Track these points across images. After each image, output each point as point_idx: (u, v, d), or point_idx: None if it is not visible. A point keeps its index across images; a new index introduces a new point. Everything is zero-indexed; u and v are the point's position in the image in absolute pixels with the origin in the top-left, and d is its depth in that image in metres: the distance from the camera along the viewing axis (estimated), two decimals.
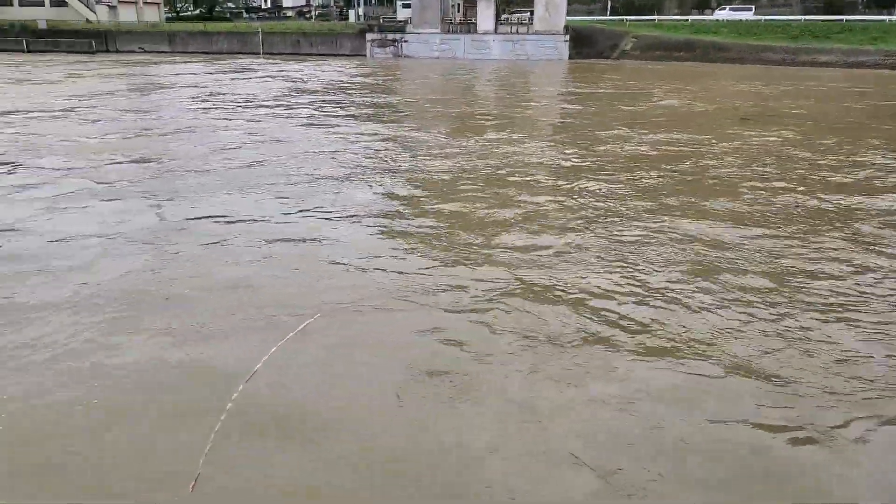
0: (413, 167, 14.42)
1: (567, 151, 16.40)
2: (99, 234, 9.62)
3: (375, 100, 27.89)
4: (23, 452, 4.80)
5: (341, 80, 35.91)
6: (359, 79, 37.68)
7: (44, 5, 70.56)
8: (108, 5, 70.11)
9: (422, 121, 21.87)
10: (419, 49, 57.59)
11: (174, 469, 4.56)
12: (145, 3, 75.12)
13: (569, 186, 12.77)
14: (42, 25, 65.53)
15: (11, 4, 70.38)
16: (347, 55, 58.61)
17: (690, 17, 65.89)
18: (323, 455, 4.79)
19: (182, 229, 9.95)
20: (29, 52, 61.26)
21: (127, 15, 71.76)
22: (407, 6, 61.77)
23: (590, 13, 76.92)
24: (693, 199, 11.80)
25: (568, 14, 58.82)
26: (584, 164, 14.98)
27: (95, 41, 62.85)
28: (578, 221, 10.43)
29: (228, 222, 10.26)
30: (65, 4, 70.15)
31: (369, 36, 58.73)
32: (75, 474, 4.59)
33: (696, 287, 7.82)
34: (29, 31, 64.27)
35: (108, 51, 62.73)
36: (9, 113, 22.59)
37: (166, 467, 4.60)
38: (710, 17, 68.15)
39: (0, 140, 17.41)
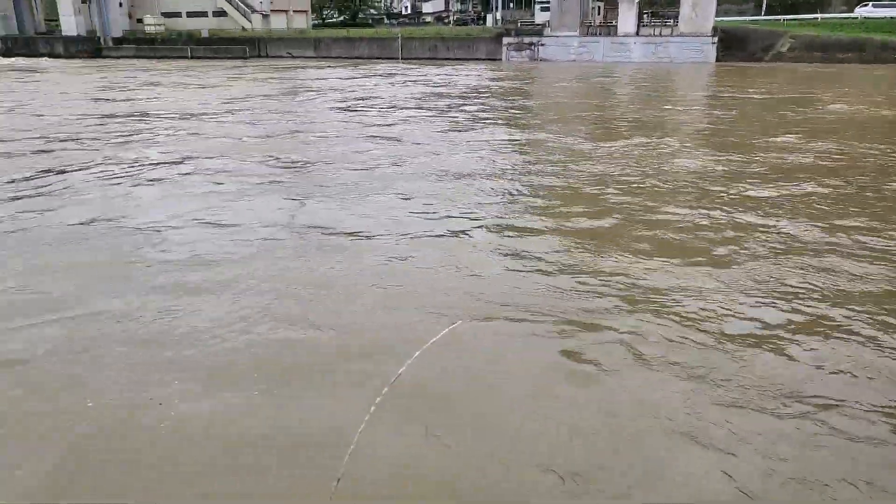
0: (557, 173, 14.10)
1: (721, 160, 15.38)
2: (253, 228, 10.15)
3: (515, 103, 27.78)
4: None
5: (479, 84, 36.16)
6: (497, 82, 37.78)
7: (207, 16, 77.18)
8: (262, 14, 75.12)
9: (563, 125, 21.45)
10: (556, 52, 56.94)
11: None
12: (295, 11, 79.78)
13: (724, 198, 11.93)
14: (204, 34, 71.56)
15: (180, 16, 77.74)
16: (483, 59, 59.07)
17: (859, 11, 59.92)
18: (463, 448, 4.65)
19: (327, 227, 10.27)
20: (192, 58, 66.97)
21: (278, 22, 76.58)
22: (546, 9, 61.30)
23: (741, 13, 72.55)
24: (872, 220, 10.62)
25: (717, 14, 55.79)
26: (742, 175, 13.95)
27: (249, 47, 67.65)
28: (736, 240, 9.68)
29: (373, 221, 10.48)
30: (224, 15, 76.26)
31: (506, 40, 58.83)
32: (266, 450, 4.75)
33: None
34: (193, 39, 70.41)
35: (259, 56, 67.28)
36: (176, 114, 24.65)
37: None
38: (848, 15, 61.43)
39: (172, 139, 18.99)
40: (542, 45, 57.64)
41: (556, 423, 5.17)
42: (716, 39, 52.68)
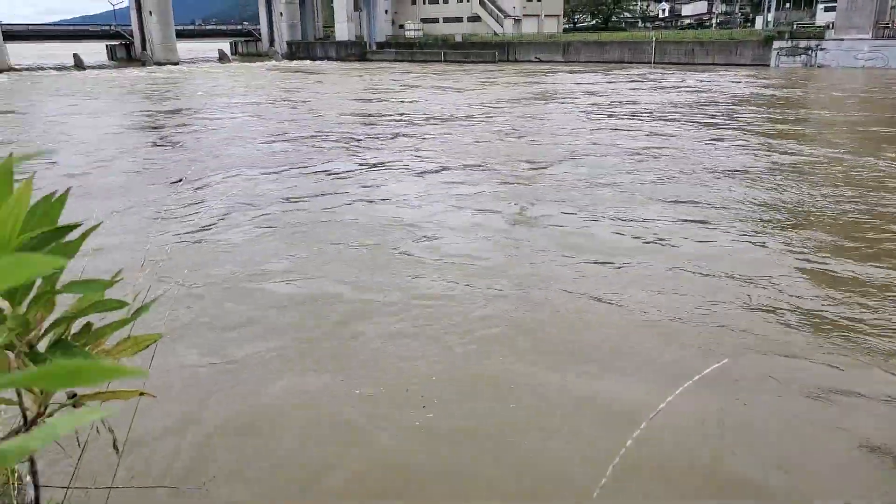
0: (855, 202, 12.35)
1: None
2: (495, 235, 10.21)
3: (792, 115, 25.16)
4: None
5: (751, 93, 33.41)
6: (770, 90, 34.62)
7: (462, 21, 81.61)
8: (514, 19, 77.34)
9: (856, 143, 18.87)
10: (839, 57, 50.75)
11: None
12: (546, 15, 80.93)
13: None
14: (458, 38, 75.63)
15: (437, 21, 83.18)
16: (747, 65, 54.68)
17: None
18: None
19: (590, 249, 9.98)
20: (445, 61, 71.13)
21: (529, 27, 78.27)
22: (830, 9, 54.93)
23: None
24: None
25: None
26: None
27: (498, 52, 70.07)
28: None
29: (641, 241, 9.98)
30: (479, 20, 79.96)
31: (776, 44, 53.83)
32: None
33: None
34: (448, 43, 74.77)
35: (508, 60, 69.33)
36: (433, 118, 26.14)
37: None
38: None
39: (430, 144, 20.12)
40: (822, 49, 51.75)
41: None
42: None
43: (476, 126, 23.00)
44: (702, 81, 40.26)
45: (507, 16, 77.80)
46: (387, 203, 12.49)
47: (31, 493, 1.41)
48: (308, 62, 76.28)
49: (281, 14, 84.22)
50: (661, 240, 9.99)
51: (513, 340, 6.73)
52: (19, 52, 71.19)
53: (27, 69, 64.80)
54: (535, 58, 68.54)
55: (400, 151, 18.11)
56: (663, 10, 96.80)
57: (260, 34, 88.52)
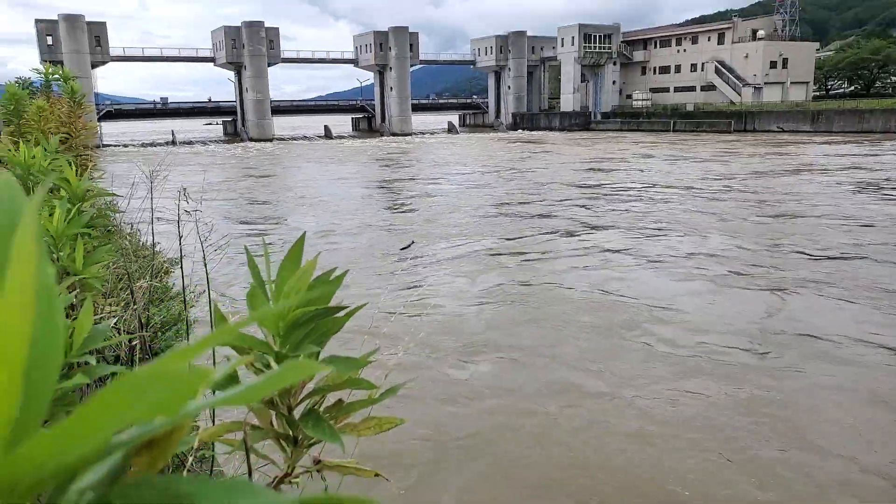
0: None
1: None
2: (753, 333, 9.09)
3: None
4: None
5: None
6: None
7: (694, 90, 79.23)
8: (753, 87, 73.28)
9: None
10: None
11: None
12: (793, 83, 75.61)
13: None
14: (689, 108, 73.29)
15: (668, 91, 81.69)
16: None
17: None
18: None
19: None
20: (674, 131, 69.01)
21: (771, 95, 73.56)
22: None
23: None
24: None
25: None
26: None
27: (734, 121, 66.42)
28: None
29: None
30: (713, 89, 77.01)
31: None
32: None
33: None
34: (678, 113, 72.72)
35: (744, 130, 65.32)
36: (674, 187, 25.06)
37: None
38: None
39: (665, 218, 19.17)
40: None
41: None
42: None
43: (720, 202, 21.51)
44: None
45: (745, 84, 73.98)
46: (619, 282, 11.95)
47: None
48: (532, 132, 78.70)
49: (508, 87, 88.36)
50: None
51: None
52: (283, 123, 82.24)
53: (291, 138, 74.72)
54: (778, 127, 63.83)
55: (628, 230, 17.43)
56: None
57: (487, 107, 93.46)
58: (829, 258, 13.24)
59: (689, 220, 17.89)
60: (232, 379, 1.03)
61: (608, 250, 14.22)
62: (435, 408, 6.96)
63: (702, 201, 21.23)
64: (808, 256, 13.40)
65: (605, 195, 23.29)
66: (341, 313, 1.12)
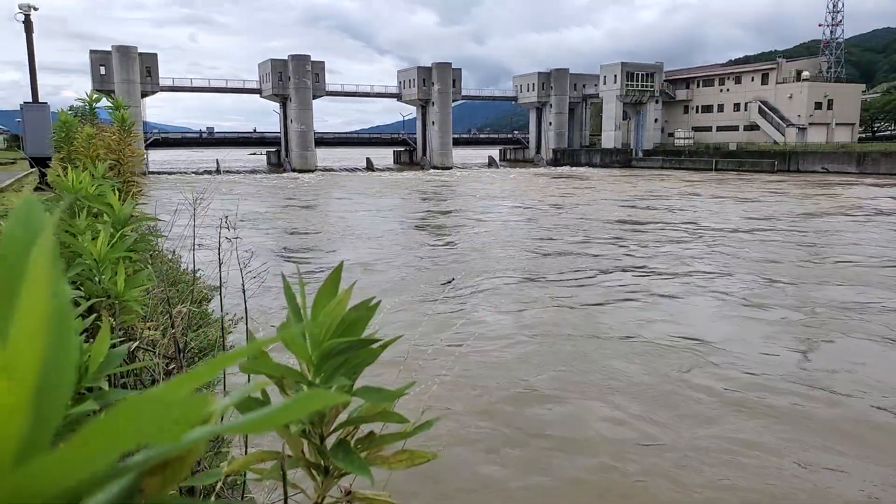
0: None
1: None
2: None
3: None
4: None
5: None
6: None
7: (737, 130, 78.51)
8: (797, 127, 72.25)
9: None
10: None
11: None
12: (838, 124, 74.37)
13: None
14: (731, 147, 72.49)
15: (710, 130, 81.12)
16: None
17: None
18: None
19: None
20: (716, 170, 68.19)
21: (815, 136, 72.39)
22: None
23: None
24: None
25: None
26: None
27: (778, 161, 65.38)
28: None
29: None
30: (756, 129, 76.21)
31: None
32: None
33: None
34: (720, 152, 71.96)
35: (788, 170, 64.20)
36: (713, 229, 24.64)
37: None
38: None
39: (710, 256, 18.83)
40: None
41: None
42: None
43: (773, 242, 21.04)
44: None
45: (789, 124, 73.01)
46: (672, 325, 11.71)
47: None
48: (572, 168, 78.69)
49: (550, 123, 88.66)
50: None
51: None
52: (326, 155, 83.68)
53: (333, 169, 75.99)
54: (822, 168, 62.63)
55: (679, 272, 17.13)
56: None
57: (527, 142, 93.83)
58: None
59: (745, 262, 17.55)
60: (260, 404, 1.01)
61: (663, 296, 13.89)
62: (473, 454, 6.85)
63: (755, 242, 20.83)
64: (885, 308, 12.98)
65: (654, 233, 23.01)
66: (376, 345, 1.11)
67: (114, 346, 1.53)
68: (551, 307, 12.67)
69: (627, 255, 18.54)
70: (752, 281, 14.92)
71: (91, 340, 1.46)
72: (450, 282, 15.14)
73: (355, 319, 1.10)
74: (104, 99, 8.79)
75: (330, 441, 1.19)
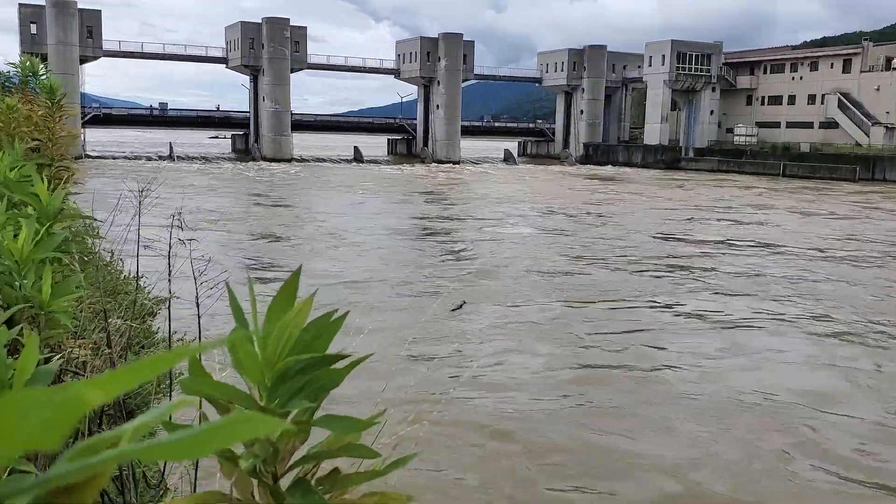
0: None
1: None
2: None
3: None
4: None
5: None
6: None
7: (811, 127, 78.15)
8: (885, 127, 72.16)
9: None
10: None
11: None
12: None
13: None
14: (803, 148, 72.41)
15: (778, 126, 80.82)
16: None
17: None
18: None
19: None
20: (784, 175, 68.05)
21: None
22: None
23: None
24: None
25: None
26: None
27: (860, 167, 65.09)
28: None
29: None
30: (835, 126, 75.80)
31: None
32: None
33: None
34: (788, 153, 71.82)
35: (872, 178, 63.92)
36: (811, 250, 24.63)
37: None
38: None
39: (807, 297, 18.79)
40: None
41: None
42: None
43: (880, 268, 21.15)
44: None
45: (875, 123, 72.94)
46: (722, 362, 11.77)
47: None
48: (607, 168, 78.46)
49: (581, 112, 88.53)
50: None
51: None
52: (304, 141, 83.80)
53: (313, 159, 76.16)
54: None
55: (765, 316, 17.18)
56: None
57: (553, 134, 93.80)
58: None
59: (851, 306, 17.46)
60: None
61: (754, 351, 13.84)
62: None
63: (856, 271, 20.87)
64: None
65: (725, 258, 23.02)
66: (341, 363, 1.11)
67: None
68: (566, 338, 12.69)
69: (697, 292, 18.58)
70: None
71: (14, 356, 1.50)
72: (459, 307, 15.13)
73: (316, 334, 1.11)
74: (37, 63, 8.83)
75: (287, 481, 1.18)
